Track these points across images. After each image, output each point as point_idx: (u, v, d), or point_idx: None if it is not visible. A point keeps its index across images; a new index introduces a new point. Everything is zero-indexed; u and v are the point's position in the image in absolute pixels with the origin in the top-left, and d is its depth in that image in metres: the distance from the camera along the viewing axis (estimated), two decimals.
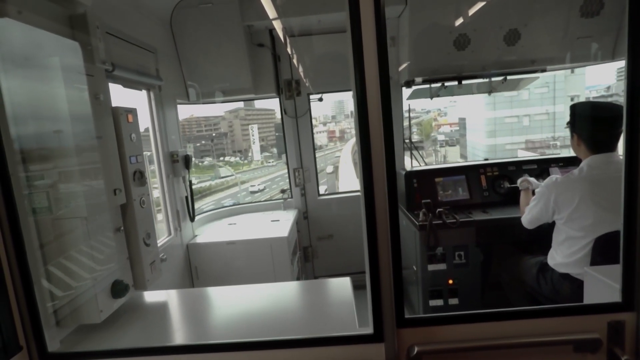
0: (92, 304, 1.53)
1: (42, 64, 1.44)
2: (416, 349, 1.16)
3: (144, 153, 2.01)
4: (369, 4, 1.04)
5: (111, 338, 1.55)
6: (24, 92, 1.40)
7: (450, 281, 2.96)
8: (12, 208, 1.21)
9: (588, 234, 2.04)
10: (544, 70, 3.25)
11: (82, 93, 1.56)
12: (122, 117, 1.80)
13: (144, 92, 2.85)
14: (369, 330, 1.21)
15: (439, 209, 2.94)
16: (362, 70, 1.06)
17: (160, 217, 3.00)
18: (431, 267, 2.94)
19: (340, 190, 4.93)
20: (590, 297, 1.54)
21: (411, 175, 3.30)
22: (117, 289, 1.65)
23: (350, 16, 1.05)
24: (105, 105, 1.75)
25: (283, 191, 4.19)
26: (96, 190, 1.62)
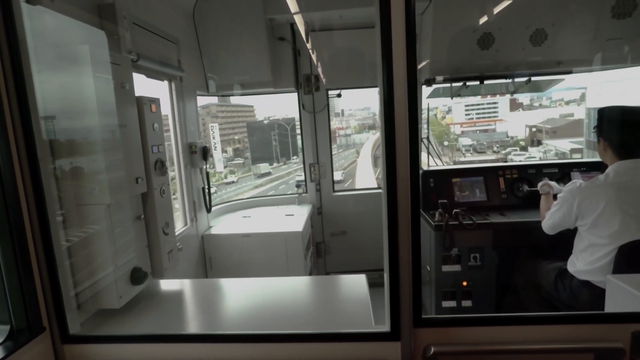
0: (112, 290, 1.56)
1: (72, 52, 1.46)
2: (432, 349, 1.15)
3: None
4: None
5: (129, 323, 1.58)
6: (54, 79, 1.42)
7: (464, 283, 2.92)
8: (40, 194, 1.24)
9: (612, 241, 1.99)
10: (569, 72, 3.17)
11: (108, 82, 1.58)
12: (145, 107, 1.83)
13: (164, 83, 2.88)
14: (385, 328, 1.20)
15: (455, 210, 2.91)
16: (390, 66, 1.05)
17: (177, 207, 3.03)
18: (445, 268, 2.91)
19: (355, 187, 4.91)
20: (612, 305, 1.50)
21: (428, 174, 3.26)
22: (137, 276, 1.68)
23: (380, 11, 1.03)
24: (130, 95, 1.77)
25: (298, 186, 4.19)
26: (119, 178, 1.65)
